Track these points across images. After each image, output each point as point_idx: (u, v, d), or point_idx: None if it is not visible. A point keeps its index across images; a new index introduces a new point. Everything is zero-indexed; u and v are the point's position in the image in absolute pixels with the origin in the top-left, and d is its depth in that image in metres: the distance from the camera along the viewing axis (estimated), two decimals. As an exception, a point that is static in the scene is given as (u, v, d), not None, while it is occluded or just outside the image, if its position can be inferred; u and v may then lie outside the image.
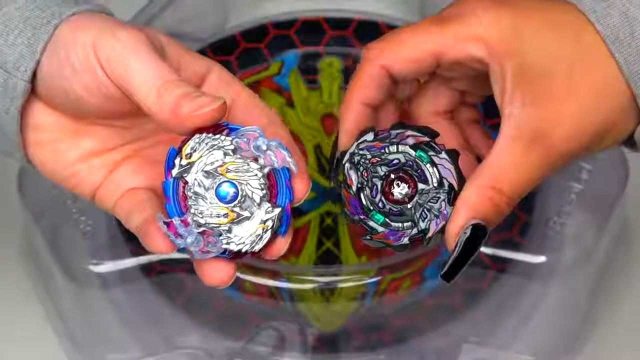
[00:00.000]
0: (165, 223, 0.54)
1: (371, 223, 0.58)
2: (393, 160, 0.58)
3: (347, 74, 0.85)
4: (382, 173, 0.58)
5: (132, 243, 0.74)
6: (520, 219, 0.75)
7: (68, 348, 0.76)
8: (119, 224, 0.75)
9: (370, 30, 0.86)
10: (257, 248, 0.55)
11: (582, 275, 0.74)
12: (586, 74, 0.56)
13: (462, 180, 0.57)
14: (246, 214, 0.55)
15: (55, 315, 0.77)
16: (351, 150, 0.58)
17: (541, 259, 0.73)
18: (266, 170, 0.55)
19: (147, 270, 0.74)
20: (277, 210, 0.55)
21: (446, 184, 0.57)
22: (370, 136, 0.58)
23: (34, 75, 0.56)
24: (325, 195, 0.78)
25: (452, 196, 0.57)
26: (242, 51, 0.85)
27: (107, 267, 0.73)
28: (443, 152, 0.57)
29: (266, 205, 0.55)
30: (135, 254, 0.73)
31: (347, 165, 0.58)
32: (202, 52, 0.85)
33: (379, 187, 0.58)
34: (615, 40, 0.56)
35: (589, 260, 0.74)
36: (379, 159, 0.58)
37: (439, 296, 0.74)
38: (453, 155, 0.57)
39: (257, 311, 0.73)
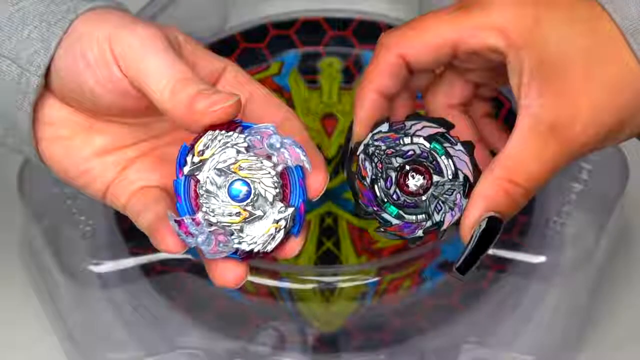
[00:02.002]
0: (176, 221, 0.53)
1: (385, 215, 0.57)
2: (408, 151, 0.57)
3: (347, 74, 0.85)
4: (396, 164, 0.57)
5: (132, 243, 0.74)
6: (520, 219, 0.75)
7: (68, 348, 0.76)
8: (119, 224, 0.75)
9: (370, 30, 0.86)
10: (269, 248, 0.55)
11: (582, 275, 0.74)
12: (604, 66, 0.55)
13: (477, 172, 0.57)
14: (259, 213, 0.54)
15: (55, 315, 0.77)
16: (365, 141, 0.57)
17: (541, 259, 0.73)
18: (279, 168, 0.54)
19: (147, 270, 0.74)
20: (290, 210, 0.54)
21: (461, 175, 0.57)
22: (385, 127, 0.57)
23: (48, 70, 0.56)
24: (326, 196, 0.78)
25: (468, 188, 0.56)
26: (242, 51, 0.85)
27: (107, 267, 0.73)
28: (458, 144, 0.57)
29: (279, 205, 0.54)
30: (135, 254, 0.73)
31: (362, 156, 0.57)
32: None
33: (394, 178, 0.57)
34: (635, 32, 0.55)
35: (589, 260, 0.74)
36: (394, 150, 0.57)
37: (438, 296, 0.74)
38: (469, 146, 0.57)
39: (257, 311, 0.73)
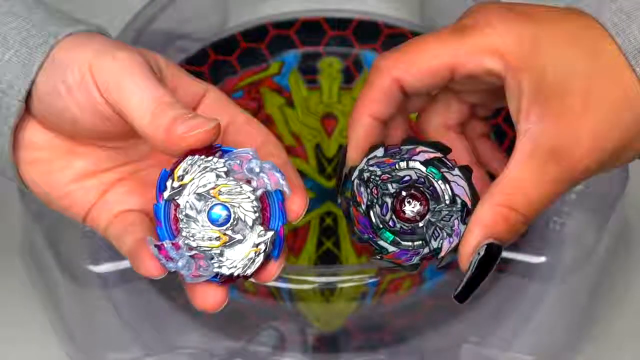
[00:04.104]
0: (156, 246, 0.54)
1: (381, 242, 0.57)
2: (404, 177, 0.56)
3: (347, 74, 0.85)
4: (392, 190, 0.56)
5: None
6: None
7: (68, 348, 0.76)
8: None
9: (370, 30, 0.86)
10: (249, 272, 0.54)
11: (582, 275, 0.74)
12: (605, 90, 0.54)
13: (475, 197, 0.56)
14: (238, 237, 0.54)
15: (55, 315, 0.77)
16: (360, 167, 0.57)
17: (541, 259, 0.73)
18: (259, 192, 0.54)
19: (147, 270, 0.74)
20: (270, 234, 0.54)
21: (459, 201, 0.56)
22: (380, 152, 0.57)
23: (29, 94, 0.56)
24: (326, 196, 0.78)
25: (466, 214, 0.56)
26: (242, 51, 0.85)
27: (107, 267, 0.73)
28: (456, 169, 0.56)
29: (259, 229, 0.54)
30: (135, 254, 0.73)
31: (357, 182, 0.57)
32: (203, 52, 0.85)
33: (390, 205, 0.57)
34: (637, 53, 0.54)
35: (589, 260, 0.74)
36: (390, 176, 0.56)
37: (438, 296, 0.74)
38: (466, 172, 0.56)
39: (257, 311, 0.73)
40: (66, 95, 0.55)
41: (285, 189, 0.54)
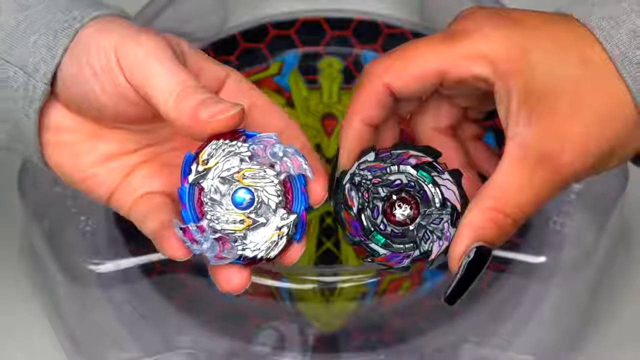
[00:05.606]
0: (181, 229, 0.54)
1: (372, 245, 0.57)
2: (395, 181, 0.57)
3: (347, 74, 0.85)
4: (383, 194, 0.57)
5: (132, 243, 0.73)
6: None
7: (68, 348, 0.76)
8: (119, 224, 0.75)
9: (370, 30, 0.86)
10: (272, 254, 0.56)
11: (582, 275, 0.74)
12: (593, 94, 0.55)
13: (465, 200, 0.56)
14: (262, 220, 0.55)
15: (55, 315, 0.77)
16: (352, 171, 0.58)
17: (541, 259, 0.73)
18: (282, 176, 0.55)
19: (147, 270, 0.74)
20: (293, 217, 0.56)
21: (449, 204, 0.57)
22: (371, 156, 0.57)
23: (54, 78, 0.56)
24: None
25: (455, 217, 0.56)
26: (242, 51, 0.85)
27: (107, 267, 0.73)
28: (446, 173, 0.57)
29: (282, 212, 0.55)
30: (135, 254, 0.73)
31: (348, 185, 0.58)
32: (203, 51, 0.85)
33: (381, 208, 0.57)
34: (624, 59, 0.55)
35: (589, 260, 0.74)
36: (380, 180, 0.57)
37: (438, 296, 0.74)
38: (456, 175, 0.57)
39: (257, 311, 0.73)
40: (91, 79, 0.56)
41: (308, 173, 0.55)
